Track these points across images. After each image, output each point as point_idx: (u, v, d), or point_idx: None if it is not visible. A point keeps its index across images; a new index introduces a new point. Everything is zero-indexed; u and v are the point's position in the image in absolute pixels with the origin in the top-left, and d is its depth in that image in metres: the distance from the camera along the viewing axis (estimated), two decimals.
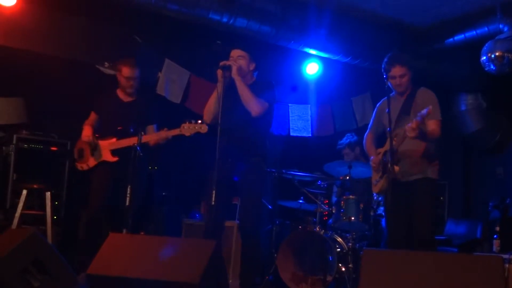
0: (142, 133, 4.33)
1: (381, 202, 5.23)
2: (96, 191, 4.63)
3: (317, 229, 5.12)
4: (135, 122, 4.48)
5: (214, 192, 3.59)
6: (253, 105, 3.94)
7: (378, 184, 4.21)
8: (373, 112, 4.54)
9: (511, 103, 6.98)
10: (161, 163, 5.90)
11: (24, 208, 4.88)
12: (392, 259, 2.99)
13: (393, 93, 4.26)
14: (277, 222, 5.55)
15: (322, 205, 5.43)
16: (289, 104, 7.04)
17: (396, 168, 3.88)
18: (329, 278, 4.84)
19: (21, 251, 3.08)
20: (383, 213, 5.06)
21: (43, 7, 5.50)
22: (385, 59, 4.19)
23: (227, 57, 4.07)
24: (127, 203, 4.11)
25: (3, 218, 5.04)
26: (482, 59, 5.39)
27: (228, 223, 4.74)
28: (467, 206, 7.61)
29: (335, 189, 5.83)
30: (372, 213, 5.18)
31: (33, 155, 5.31)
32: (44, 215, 4.97)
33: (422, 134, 3.87)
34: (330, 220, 5.42)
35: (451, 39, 6.09)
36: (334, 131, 6.98)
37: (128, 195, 4.13)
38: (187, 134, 4.16)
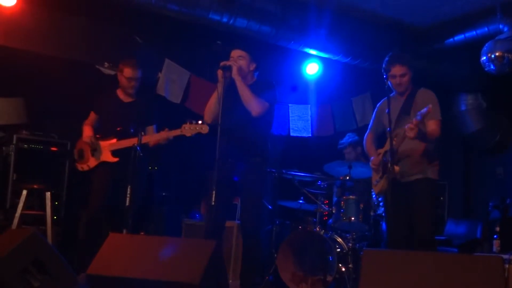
0: (142, 133, 4.33)
1: (381, 204, 5.23)
2: (96, 191, 4.63)
3: (317, 229, 5.13)
4: (135, 122, 4.48)
5: (214, 192, 3.59)
6: (254, 105, 3.93)
7: (378, 184, 4.20)
8: (373, 112, 4.54)
9: (511, 103, 6.98)
10: (161, 163, 5.91)
11: (24, 208, 4.88)
12: (392, 259, 2.99)
13: (393, 93, 4.26)
14: (277, 222, 5.55)
15: (322, 205, 5.43)
16: (289, 104, 7.03)
17: (396, 168, 3.88)
18: (329, 278, 4.84)
19: (21, 251, 3.08)
20: (383, 214, 5.06)
21: (43, 7, 5.50)
22: (386, 59, 4.20)
23: (227, 57, 4.07)
24: (127, 203, 4.12)
25: (3, 218, 5.04)
26: (482, 59, 5.38)
27: (228, 223, 4.73)
28: (467, 206, 7.62)
29: (335, 189, 5.82)
30: (372, 213, 5.18)
31: (33, 155, 5.31)
32: (44, 215, 4.97)
33: (421, 134, 3.87)
34: (330, 220, 5.43)
35: (451, 39, 6.08)
36: (334, 131, 6.97)
37: (128, 195, 4.13)
38: (188, 134, 4.16)
